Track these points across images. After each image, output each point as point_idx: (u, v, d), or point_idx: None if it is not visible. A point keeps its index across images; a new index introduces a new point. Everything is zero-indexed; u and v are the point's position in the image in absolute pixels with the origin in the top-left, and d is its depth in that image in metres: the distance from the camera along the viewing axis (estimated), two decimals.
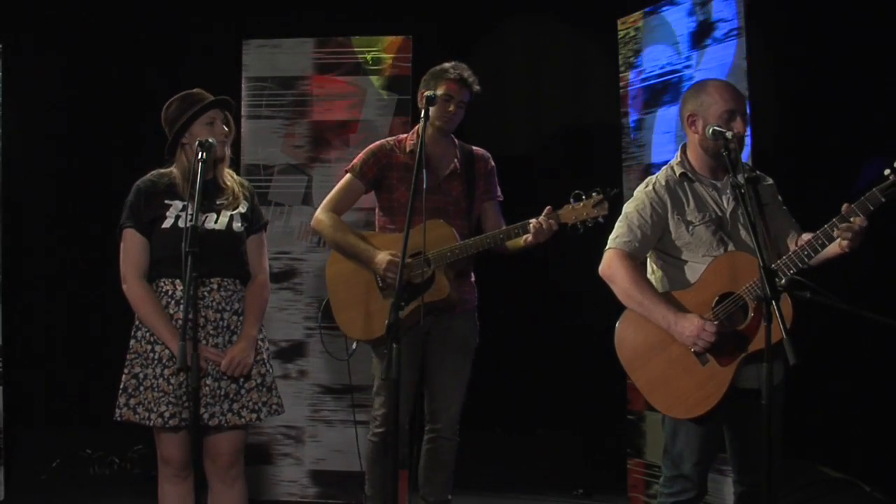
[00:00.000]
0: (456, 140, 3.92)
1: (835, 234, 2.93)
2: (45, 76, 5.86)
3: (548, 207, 3.55)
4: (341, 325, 3.81)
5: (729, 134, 3.01)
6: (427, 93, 3.45)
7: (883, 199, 2.90)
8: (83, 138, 6.12)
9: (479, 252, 3.70)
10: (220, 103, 3.28)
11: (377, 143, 3.92)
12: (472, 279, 3.91)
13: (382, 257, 3.66)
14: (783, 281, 2.97)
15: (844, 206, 2.93)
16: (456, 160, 3.86)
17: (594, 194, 3.49)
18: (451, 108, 3.76)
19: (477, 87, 3.83)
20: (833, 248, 2.99)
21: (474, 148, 3.95)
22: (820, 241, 2.96)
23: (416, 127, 3.87)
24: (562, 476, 5.32)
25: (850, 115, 4.77)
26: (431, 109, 3.70)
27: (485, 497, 4.89)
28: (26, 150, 5.22)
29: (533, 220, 3.56)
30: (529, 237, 3.57)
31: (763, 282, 2.72)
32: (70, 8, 5.95)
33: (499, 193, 3.95)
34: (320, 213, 3.85)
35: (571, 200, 3.51)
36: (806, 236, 3.10)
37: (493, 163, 3.96)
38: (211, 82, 3.40)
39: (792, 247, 3.09)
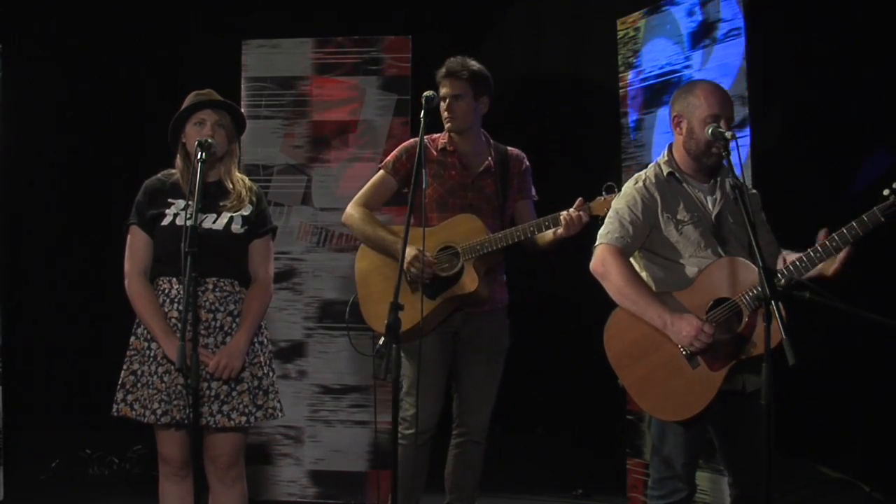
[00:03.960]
0: (491, 140, 3.90)
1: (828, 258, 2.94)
2: (45, 77, 5.86)
3: (579, 199, 3.56)
4: (367, 318, 3.76)
5: (728, 134, 3.01)
6: (426, 93, 3.36)
7: (883, 220, 2.90)
8: (83, 138, 6.12)
9: (510, 246, 3.66)
10: (212, 105, 3.27)
11: (411, 140, 3.92)
12: (504, 279, 3.89)
13: (409, 251, 3.59)
14: (782, 281, 2.97)
15: (822, 233, 2.95)
16: (490, 158, 3.83)
17: None
18: (444, 105, 3.75)
19: (468, 70, 3.76)
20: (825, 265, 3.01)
21: (509, 148, 3.91)
22: (834, 244, 2.94)
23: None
24: (562, 476, 5.31)
25: (850, 115, 4.76)
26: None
27: (484, 497, 4.86)
28: (26, 150, 5.23)
29: (564, 213, 3.55)
30: (560, 230, 3.56)
31: (762, 282, 2.72)
32: (70, 8, 5.95)
33: (533, 193, 3.91)
34: (351, 208, 3.84)
35: (604, 193, 3.53)
36: (787, 255, 3.10)
37: (527, 163, 3.92)
38: (211, 82, 3.39)
39: (780, 264, 3.08)
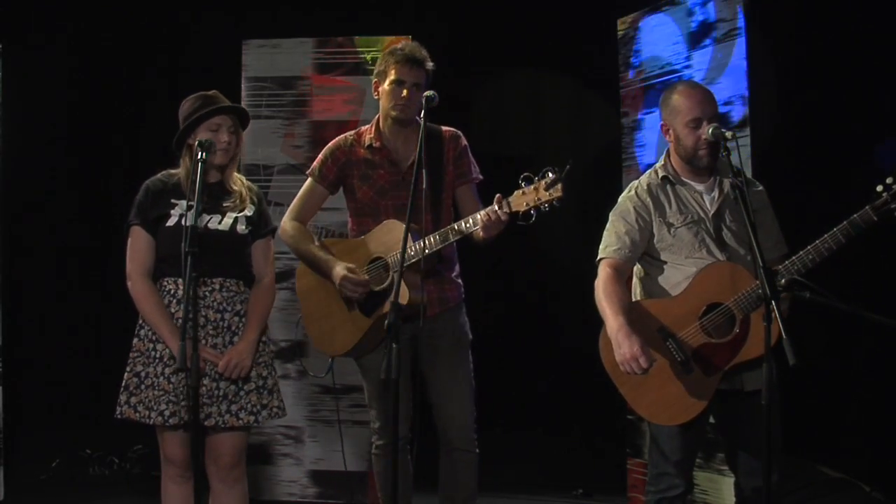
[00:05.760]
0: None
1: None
2: (45, 76, 5.86)
3: (497, 196, 3.18)
4: (312, 339, 3.66)
5: (729, 134, 3.02)
6: (426, 93, 3.29)
7: (876, 218, 2.90)
8: (83, 138, 6.12)
9: (437, 251, 3.36)
10: (228, 110, 3.28)
11: (336, 139, 3.63)
12: (455, 274, 3.60)
13: (338, 271, 3.43)
14: (783, 281, 2.97)
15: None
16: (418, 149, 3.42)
17: (549, 174, 3.05)
18: (404, 92, 3.44)
19: (430, 65, 3.49)
20: None
21: (444, 128, 3.58)
22: (826, 245, 2.95)
23: (377, 118, 3.59)
24: (562, 476, 5.31)
25: (850, 115, 4.77)
26: (382, 98, 3.50)
27: (484, 497, 4.85)
28: (26, 149, 5.22)
29: (481, 212, 3.21)
30: (480, 232, 3.22)
31: (762, 281, 2.72)
32: (70, 8, 5.95)
33: (475, 174, 3.59)
34: (284, 222, 3.60)
35: (522, 184, 3.09)
36: None
37: (464, 142, 3.59)
38: (211, 82, 3.39)
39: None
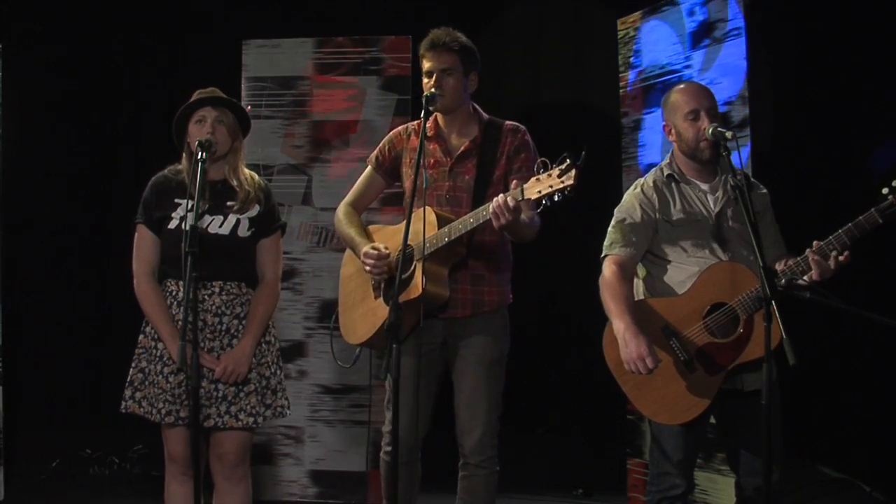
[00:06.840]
0: (484, 115, 3.46)
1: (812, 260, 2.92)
2: (45, 76, 5.86)
3: (514, 181, 3.15)
4: (341, 328, 3.55)
5: (729, 133, 3.02)
6: (426, 93, 3.28)
7: (881, 221, 2.91)
8: (83, 138, 6.13)
9: (457, 240, 3.20)
10: (210, 102, 3.25)
11: (398, 128, 3.57)
12: (501, 276, 3.45)
13: (363, 249, 3.33)
14: (783, 281, 2.98)
15: (814, 245, 2.93)
16: (472, 139, 3.40)
17: (568, 160, 2.88)
18: (431, 81, 3.33)
19: (459, 42, 3.35)
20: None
21: (507, 122, 3.45)
22: (831, 247, 2.95)
23: None
24: (562, 476, 5.31)
25: (850, 115, 4.77)
26: (426, 91, 3.36)
27: None
28: (26, 149, 5.22)
29: (493, 200, 3.04)
30: (492, 222, 3.05)
31: (762, 281, 2.73)
32: (70, 8, 5.95)
33: (535, 171, 3.19)
34: (339, 208, 3.56)
35: (539, 171, 2.94)
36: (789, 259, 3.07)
37: (526, 136, 3.41)
38: (211, 82, 3.39)
39: (779, 266, 3.06)
